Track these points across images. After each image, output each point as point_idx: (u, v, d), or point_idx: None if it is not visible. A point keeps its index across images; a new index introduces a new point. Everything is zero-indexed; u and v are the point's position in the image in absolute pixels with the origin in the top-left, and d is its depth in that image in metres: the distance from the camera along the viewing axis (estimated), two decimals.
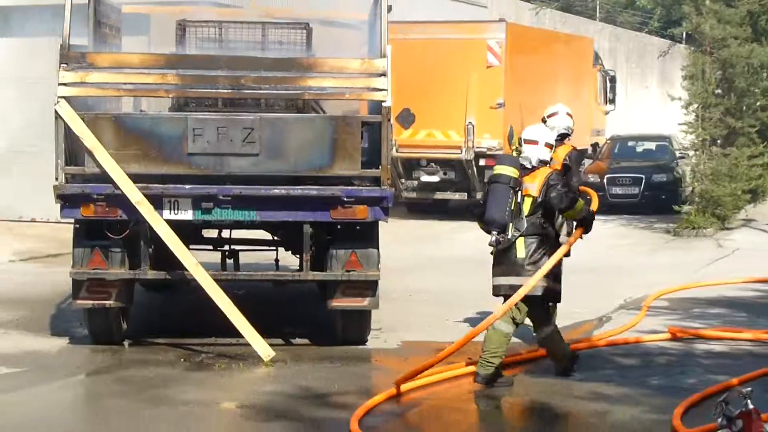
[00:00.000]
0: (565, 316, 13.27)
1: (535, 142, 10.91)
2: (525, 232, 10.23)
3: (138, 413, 9.02)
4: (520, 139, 11.60)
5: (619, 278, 14.07)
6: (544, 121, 12.62)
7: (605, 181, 26.61)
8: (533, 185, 10.45)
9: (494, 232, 10.10)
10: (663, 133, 28.35)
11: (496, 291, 10.76)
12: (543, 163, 10.82)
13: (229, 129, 11.27)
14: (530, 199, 10.45)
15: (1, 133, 20.59)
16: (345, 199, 11.16)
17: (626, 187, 26.59)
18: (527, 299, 10.22)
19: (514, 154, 11.69)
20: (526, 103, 23.18)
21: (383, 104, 11.29)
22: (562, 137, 12.39)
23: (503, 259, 10.48)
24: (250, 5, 14.30)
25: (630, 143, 28.50)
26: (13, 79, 20.17)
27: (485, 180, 14.74)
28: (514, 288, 10.23)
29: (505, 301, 10.48)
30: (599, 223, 14.76)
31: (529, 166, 10.57)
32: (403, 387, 9.71)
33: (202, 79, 11.89)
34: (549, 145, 11.09)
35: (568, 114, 12.83)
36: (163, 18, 13.54)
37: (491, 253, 10.91)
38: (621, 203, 26.35)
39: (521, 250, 10.31)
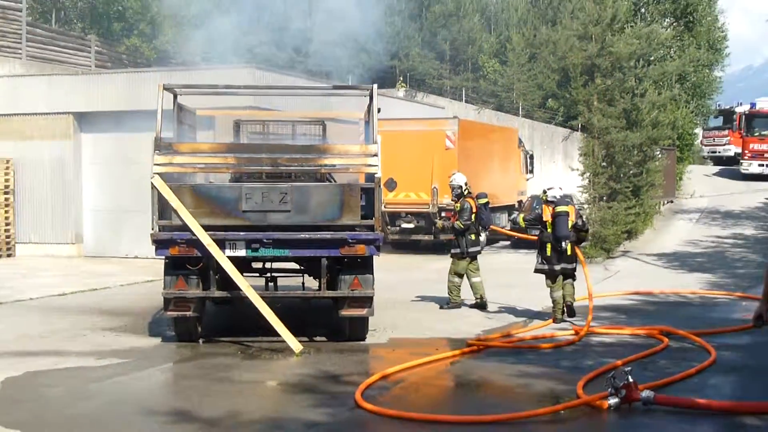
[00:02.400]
0: (501, 319, 13.86)
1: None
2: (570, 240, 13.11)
3: (209, 388, 9.22)
4: (545, 192, 14.68)
5: (538, 291, 14.02)
6: (544, 192, 14.76)
7: (529, 223, 26.56)
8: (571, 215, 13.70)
9: (564, 242, 13.48)
10: (566, 193, 28.53)
11: (556, 272, 13.61)
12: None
13: (270, 193, 11.40)
14: (571, 221, 13.54)
15: (113, 197, 20.97)
16: (350, 240, 11.24)
17: (540, 227, 26.60)
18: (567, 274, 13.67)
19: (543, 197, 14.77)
20: (472, 173, 23.60)
21: (375, 175, 11.41)
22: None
23: (560, 255, 13.53)
24: (284, 111, 14.58)
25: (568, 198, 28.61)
26: (122, 160, 20.47)
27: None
28: (566, 269, 13.60)
29: (561, 276, 13.62)
30: (526, 253, 15.32)
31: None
32: (391, 370, 9.77)
33: (251, 160, 11.97)
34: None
35: (560, 188, 14.84)
36: (224, 119, 13.76)
37: (546, 254, 13.69)
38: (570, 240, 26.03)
39: (569, 249, 13.45)
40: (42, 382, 9.35)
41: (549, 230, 13.78)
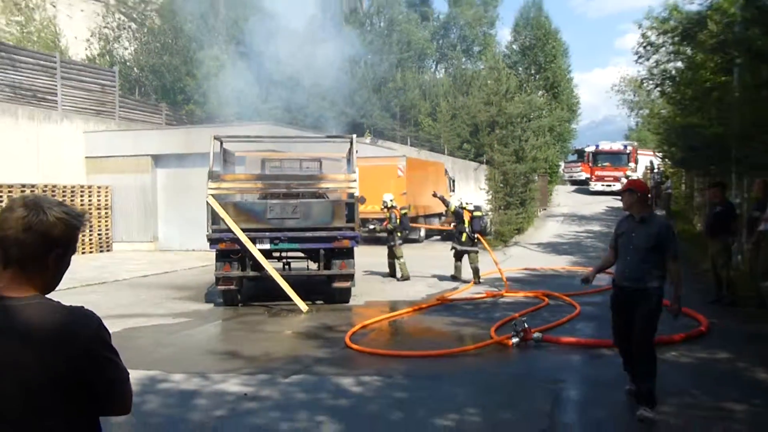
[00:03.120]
0: (436, 286, 13.77)
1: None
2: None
3: (247, 336, 9.29)
4: (465, 204, 15.15)
5: (463, 269, 14.24)
6: (462, 205, 15.20)
7: (452, 225, 26.64)
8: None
9: (475, 233, 14.50)
10: (477, 205, 28.64)
11: (468, 251, 14.43)
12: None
13: (285, 207, 11.47)
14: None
15: (177, 210, 21.04)
16: (338, 237, 11.30)
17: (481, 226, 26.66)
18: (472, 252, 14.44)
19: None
20: (416, 192, 23.80)
21: (354, 194, 11.58)
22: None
23: (471, 241, 14.55)
24: (293, 152, 14.60)
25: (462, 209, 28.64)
26: (183, 186, 20.51)
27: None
28: (473, 250, 14.48)
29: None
30: (448, 244, 15.50)
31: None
32: (368, 321, 9.83)
33: (273, 185, 12.05)
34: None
35: (468, 201, 15.53)
36: (253, 158, 13.78)
37: (462, 240, 14.45)
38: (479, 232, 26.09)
39: (476, 238, 14.76)
40: (135, 335, 9.31)
41: (467, 226, 14.46)
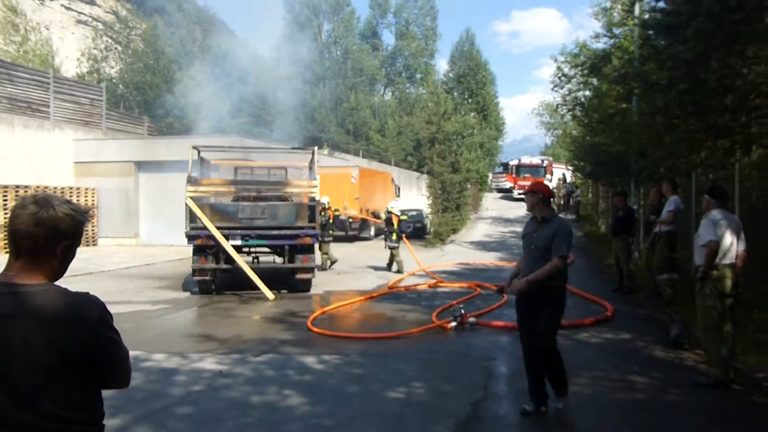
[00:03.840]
0: (385, 277, 13.49)
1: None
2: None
3: (221, 321, 9.05)
4: (393, 207, 15.45)
5: (405, 264, 14.34)
6: (389, 210, 15.49)
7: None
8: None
9: (403, 233, 15.35)
10: (419, 208, 28.65)
11: (397, 248, 14.89)
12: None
13: (255, 209, 11.32)
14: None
15: (158, 209, 20.50)
16: (301, 234, 11.15)
17: (405, 228, 26.00)
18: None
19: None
20: (366, 197, 23.75)
21: (315, 198, 11.48)
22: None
23: (398, 239, 15.07)
24: (262, 161, 14.32)
25: (406, 212, 28.50)
26: (163, 189, 19.91)
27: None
28: (398, 246, 14.91)
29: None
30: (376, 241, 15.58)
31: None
32: (327, 308, 9.76)
33: (244, 189, 11.90)
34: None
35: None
36: (227, 166, 13.47)
37: (393, 238, 14.97)
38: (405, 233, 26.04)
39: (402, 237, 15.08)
40: (120, 320, 8.73)
41: (396, 227, 14.97)
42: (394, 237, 14.98)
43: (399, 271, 14.44)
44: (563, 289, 5.08)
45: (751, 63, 9.03)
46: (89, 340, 1.78)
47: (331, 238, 15.48)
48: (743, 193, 8.46)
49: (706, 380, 5.71)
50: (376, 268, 15.28)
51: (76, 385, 1.78)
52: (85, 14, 46.93)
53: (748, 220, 7.65)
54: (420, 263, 14.61)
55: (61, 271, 1.89)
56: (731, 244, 5.62)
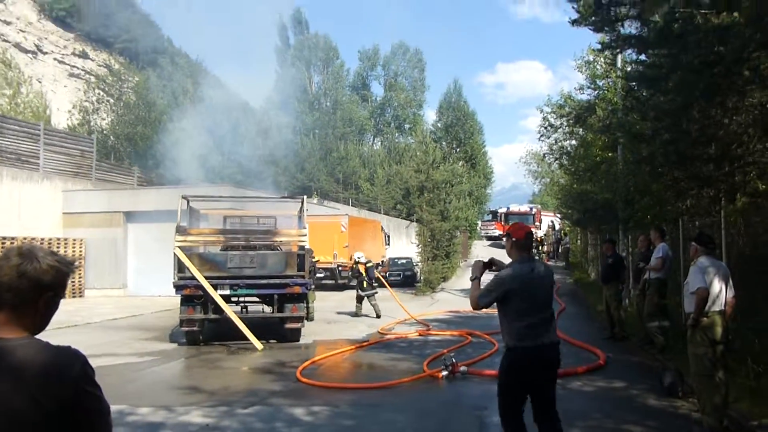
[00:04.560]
0: (374, 326, 13.31)
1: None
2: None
3: (208, 372, 8.95)
4: (359, 258, 15.73)
5: (394, 312, 14.17)
6: (356, 260, 16.05)
7: (387, 273, 26.34)
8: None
9: (373, 280, 15.46)
10: (408, 257, 28.64)
11: (368, 296, 15.61)
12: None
13: (244, 258, 11.25)
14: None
15: (146, 260, 20.31)
16: (290, 283, 11.08)
17: (395, 276, 26.06)
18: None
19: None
20: (355, 246, 23.67)
21: (305, 247, 11.49)
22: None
23: (370, 287, 15.69)
24: (251, 210, 14.36)
25: (396, 260, 28.36)
26: (152, 239, 19.74)
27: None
28: (372, 293, 15.62)
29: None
30: (384, 290, 15.56)
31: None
32: (317, 358, 9.65)
33: (233, 238, 11.90)
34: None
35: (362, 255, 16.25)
36: (217, 216, 13.50)
37: (363, 286, 15.64)
38: (394, 282, 25.28)
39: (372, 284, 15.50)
40: (103, 372, 8.72)
41: (364, 275, 15.58)
42: (365, 285, 15.59)
43: (377, 316, 15.01)
44: (510, 349, 4.31)
45: (732, 114, 9.28)
46: (70, 395, 1.74)
47: (375, 291, 15.99)
48: (730, 240, 8.56)
49: (700, 429, 5.65)
50: (368, 316, 15.16)
51: None
52: (78, 67, 47.62)
53: (735, 267, 7.72)
54: (406, 309, 14.68)
55: (42, 324, 1.86)
56: (720, 290, 5.65)
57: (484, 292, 4.34)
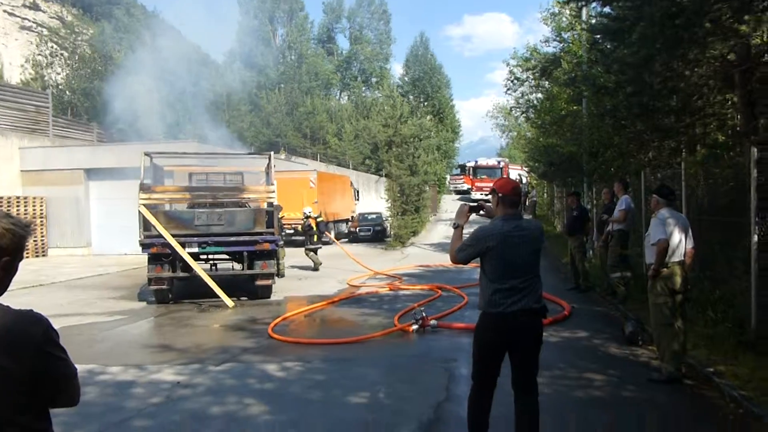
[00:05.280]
0: (342, 281, 13.43)
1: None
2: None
3: (178, 331, 8.89)
4: (309, 213, 16.25)
5: (367, 264, 14.33)
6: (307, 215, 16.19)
7: (357, 229, 26.48)
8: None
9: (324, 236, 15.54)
10: (378, 212, 28.71)
11: (317, 249, 16.28)
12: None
13: (211, 215, 11.10)
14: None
15: (110, 217, 20.02)
16: (260, 240, 11.00)
17: (365, 232, 26.17)
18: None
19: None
20: (325, 202, 23.64)
21: (273, 203, 11.35)
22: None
23: (319, 241, 16.21)
24: (217, 166, 14.07)
25: (366, 215, 28.43)
26: (115, 196, 19.47)
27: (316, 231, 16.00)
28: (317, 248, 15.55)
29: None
30: (355, 245, 15.55)
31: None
32: (288, 314, 9.64)
33: (199, 195, 11.71)
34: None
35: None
36: (182, 172, 13.23)
37: (313, 240, 15.96)
38: (364, 237, 25.54)
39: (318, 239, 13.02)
40: (72, 333, 8.71)
41: (315, 229, 15.98)
42: (316, 239, 16.04)
43: (315, 269, 15.67)
44: (481, 313, 3.96)
45: (693, 66, 9.37)
46: (34, 358, 1.71)
47: (320, 246, 16.29)
48: (689, 192, 8.76)
49: (659, 376, 5.87)
50: (338, 272, 15.23)
51: (20, 406, 1.71)
52: (29, 20, 45.45)
53: (694, 219, 7.93)
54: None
55: (2, 288, 1.82)
56: (680, 242, 5.80)
57: (462, 246, 3.94)
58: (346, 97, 57.72)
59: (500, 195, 3.95)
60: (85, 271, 16.11)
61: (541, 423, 3.96)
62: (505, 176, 42.94)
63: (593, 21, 14.07)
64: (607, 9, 10.30)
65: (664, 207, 5.96)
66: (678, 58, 8.76)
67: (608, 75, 11.38)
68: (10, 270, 1.82)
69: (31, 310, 1.80)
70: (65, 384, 1.82)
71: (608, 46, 11.18)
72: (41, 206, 20.42)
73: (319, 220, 16.22)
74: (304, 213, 16.06)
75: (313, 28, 56.40)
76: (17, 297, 11.48)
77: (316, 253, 16.00)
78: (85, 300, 11.66)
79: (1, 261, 1.77)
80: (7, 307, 1.76)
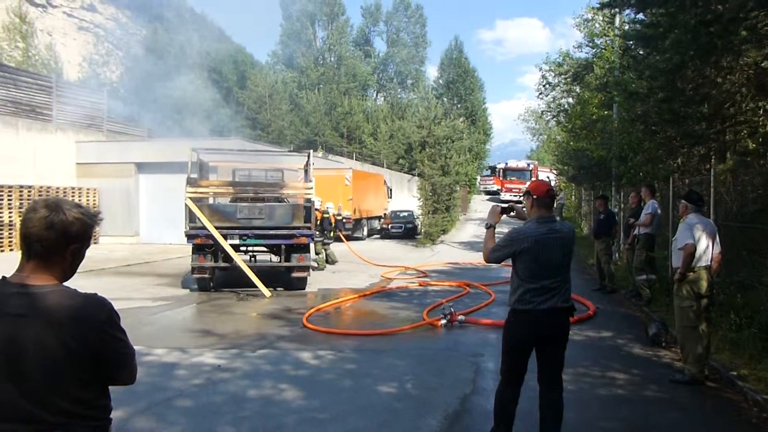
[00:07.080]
0: (377, 276, 13.56)
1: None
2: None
3: (219, 317, 9.02)
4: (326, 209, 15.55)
5: (397, 261, 14.23)
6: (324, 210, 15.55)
7: (389, 226, 26.46)
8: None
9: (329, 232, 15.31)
10: (410, 210, 28.69)
11: (330, 243, 15.86)
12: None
13: (253, 209, 11.25)
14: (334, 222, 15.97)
15: (157, 209, 20.47)
16: (297, 234, 11.10)
17: (397, 229, 26.24)
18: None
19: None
20: (359, 199, 23.75)
21: (311, 199, 11.42)
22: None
23: (330, 236, 15.79)
24: (259, 163, 14.19)
25: (398, 213, 28.49)
26: (162, 189, 19.90)
27: (341, 227, 16.11)
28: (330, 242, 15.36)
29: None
30: (386, 241, 15.50)
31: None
32: (322, 305, 9.71)
33: (242, 190, 11.80)
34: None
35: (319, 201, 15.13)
36: (226, 167, 13.43)
37: (330, 235, 15.61)
38: (395, 234, 25.50)
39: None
40: (121, 315, 8.88)
41: (333, 225, 15.84)
42: (332, 234, 15.82)
43: (324, 265, 15.09)
44: (510, 310, 3.96)
45: (726, 73, 9.13)
46: (97, 339, 1.79)
47: (331, 241, 15.92)
48: (718, 198, 8.55)
49: (682, 377, 5.77)
50: (369, 267, 15.29)
51: (83, 382, 1.79)
52: (86, 21, 46.68)
53: (722, 225, 7.74)
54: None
55: (70, 272, 1.90)
56: (707, 247, 5.68)
57: (496, 246, 3.94)
58: (382, 98, 57.78)
59: (535, 197, 3.92)
60: (133, 258, 16.49)
61: (565, 418, 3.96)
62: (535, 178, 42.53)
63: (626, 27, 13.82)
64: (640, 15, 10.11)
65: (692, 212, 5.85)
66: (711, 65, 8.55)
67: (640, 81, 11.17)
68: (79, 256, 1.90)
69: (96, 294, 1.87)
70: (124, 362, 1.90)
71: (641, 52, 10.99)
72: (94, 197, 21.00)
73: (338, 217, 16.20)
74: (326, 207, 15.75)
75: (352, 31, 56.57)
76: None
77: (329, 248, 15.81)
78: (132, 285, 11.94)
79: (70, 247, 1.84)
80: (74, 290, 1.84)
